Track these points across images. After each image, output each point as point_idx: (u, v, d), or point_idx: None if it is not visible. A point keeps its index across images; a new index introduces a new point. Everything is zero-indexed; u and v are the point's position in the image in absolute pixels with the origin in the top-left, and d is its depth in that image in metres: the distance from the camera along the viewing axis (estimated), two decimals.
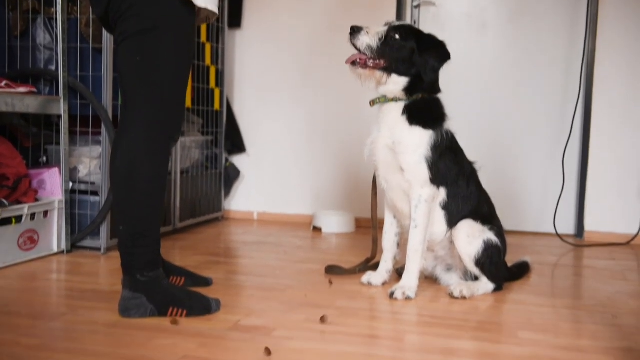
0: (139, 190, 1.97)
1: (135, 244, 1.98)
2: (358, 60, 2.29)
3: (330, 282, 2.51)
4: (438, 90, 2.39)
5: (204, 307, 2.05)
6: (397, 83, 2.31)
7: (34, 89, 2.83)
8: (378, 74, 2.31)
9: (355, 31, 2.27)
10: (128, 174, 1.97)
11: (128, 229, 1.98)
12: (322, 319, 2.00)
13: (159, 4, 1.94)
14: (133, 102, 2.00)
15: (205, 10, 2.09)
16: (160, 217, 2.06)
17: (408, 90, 2.31)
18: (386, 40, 2.27)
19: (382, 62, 2.29)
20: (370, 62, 2.29)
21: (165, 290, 2.03)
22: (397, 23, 2.34)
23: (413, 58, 2.28)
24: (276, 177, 4.12)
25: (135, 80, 1.98)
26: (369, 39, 2.26)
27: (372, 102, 2.40)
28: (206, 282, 2.40)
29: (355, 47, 2.29)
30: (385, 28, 2.30)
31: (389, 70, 2.30)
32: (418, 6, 3.87)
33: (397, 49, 2.28)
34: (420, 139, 2.30)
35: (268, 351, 1.71)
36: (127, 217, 1.99)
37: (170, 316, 2.01)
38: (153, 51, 1.95)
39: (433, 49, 2.32)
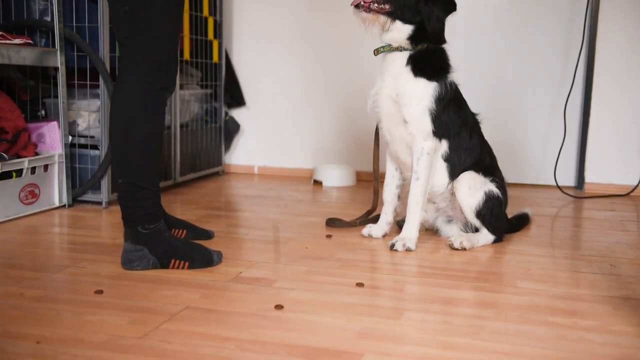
0: (136, 143, 1.97)
1: (134, 197, 1.99)
2: (362, 2, 2.24)
3: (329, 237, 2.52)
4: (443, 40, 2.35)
5: (206, 260, 2.06)
6: (401, 30, 2.27)
7: (30, 41, 2.79)
8: (382, 18, 2.26)
9: None
10: (124, 128, 1.97)
11: (127, 182, 1.99)
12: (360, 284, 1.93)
13: None
14: (125, 53, 1.98)
15: None
16: (159, 170, 2.06)
17: (413, 39, 2.27)
18: None
19: (386, 6, 2.24)
20: (374, 6, 2.24)
21: (167, 242, 2.04)
22: None
23: (418, 5, 2.24)
24: (276, 131, 4.10)
25: (126, 30, 1.96)
26: None
27: (377, 51, 2.36)
28: (208, 235, 2.42)
29: None
30: None
31: (393, 15, 2.25)
32: None
33: None
34: (424, 90, 2.27)
35: (280, 307, 1.73)
36: (125, 171, 1.99)
37: (172, 268, 2.03)
38: (141, 0, 1.92)
39: None
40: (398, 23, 2.26)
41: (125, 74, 1.98)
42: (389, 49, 2.31)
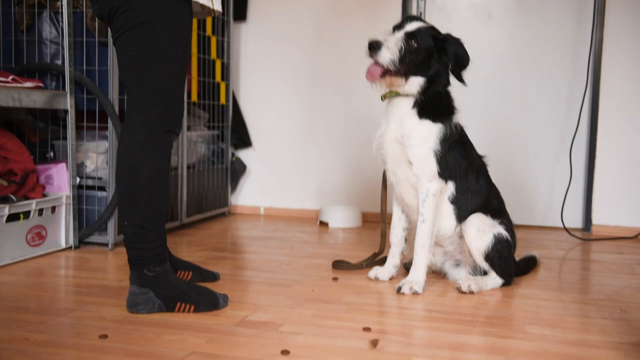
0: (142, 185, 1.98)
1: (140, 239, 1.99)
2: (379, 74, 2.24)
3: (335, 279, 2.51)
4: (448, 83, 2.37)
5: (212, 303, 2.05)
6: (414, 84, 2.29)
7: (41, 84, 2.83)
8: (398, 80, 2.28)
9: (375, 47, 2.21)
10: (130, 170, 1.98)
11: (133, 224, 1.99)
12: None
13: None
14: (132, 96, 2.01)
15: (199, 4, 2.09)
16: (165, 212, 2.06)
17: (423, 88, 2.29)
18: (405, 50, 2.23)
19: (402, 69, 2.25)
20: (390, 72, 2.25)
21: (172, 285, 2.03)
22: (412, 27, 2.27)
23: (431, 62, 2.27)
24: (282, 171, 4.12)
25: (132, 74, 1.99)
26: (390, 54, 2.21)
27: (384, 97, 2.38)
28: (213, 277, 2.41)
29: (376, 62, 2.23)
30: (402, 35, 2.25)
31: (407, 74, 2.27)
32: None
33: (416, 55, 2.24)
34: (429, 132, 2.29)
35: (286, 352, 1.71)
36: (131, 213, 2.00)
37: (178, 311, 2.01)
38: (147, 45, 1.96)
39: (450, 49, 2.28)
40: (411, 79, 2.28)
41: (132, 115, 2.01)
42: (395, 93, 2.33)
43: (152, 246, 2.00)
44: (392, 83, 2.28)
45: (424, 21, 2.36)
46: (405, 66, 2.24)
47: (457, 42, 2.30)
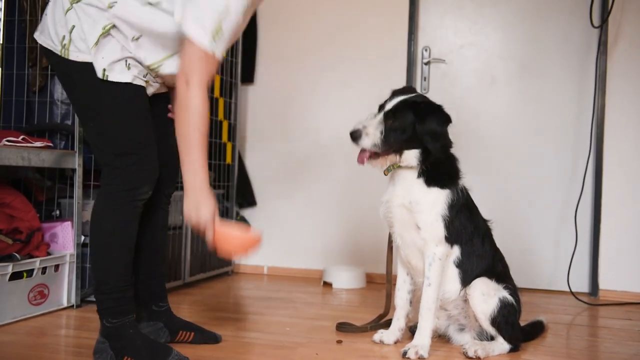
0: (99, 242, 2.09)
1: (99, 290, 2.08)
2: (365, 158, 2.29)
3: (339, 342, 2.47)
4: (450, 146, 2.39)
5: None
6: (411, 157, 2.30)
7: (50, 143, 2.87)
8: (390, 157, 2.30)
9: (355, 137, 2.25)
10: (92, 227, 2.10)
11: (95, 277, 2.10)
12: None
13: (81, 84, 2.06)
14: (101, 159, 2.12)
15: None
16: (128, 268, 2.10)
17: (423, 158, 2.30)
18: (386, 130, 2.25)
19: (390, 149, 2.28)
20: (378, 154, 2.28)
21: (128, 338, 2.06)
22: (390, 105, 2.29)
23: (416, 132, 2.26)
24: (286, 231, 4.12)
25: (94, 142, 2.11)
26: (371, 140, 2.24)
27: (387, 171, 2.38)
28: (215, 339, 2.38)
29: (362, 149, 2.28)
30: (381, 116, 2.27)
31: (400, 150, 2.29)
32: (428, 63, 3.93)
33: (399, 132, 2.25)
34: (437, 198, 2.30)
35: None
36: (93, 266, 2.12)
37: None
38: (97, 120, 2.07)
39: (431, 116, 2.27)
40: (405, 153, 2.29)
41: (101, 178, 2.12)
42: (398, 166, 2.35)
43: (108, 298, 2.07)
44: (386, 161, 2.31)
45: (411, 91, 2.36)
46: (392, 145, 2.26)
47: (434, 114, 2.28)
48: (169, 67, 2.11)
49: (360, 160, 2.30)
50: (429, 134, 2.25)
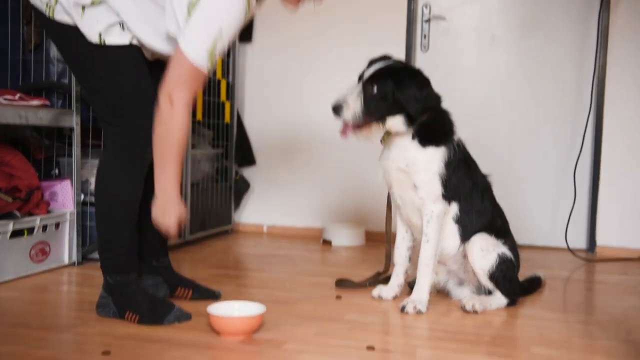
0: (104, 202, 2.11)
1: (103, 248, 2.11)
2: (348, 130, 2.27)
3: (338, 297, 2.50)
4: (438, 102, 2.35)
5: (156, 317, 2.06)
6: (395, 124, 2.28)
7: (47, 102, 2.85)
8: (374, 127, 2.28)
9: (337, 112, 2.24)
10: (97, 189, 2.12)
11: (99, 234, 2.13)
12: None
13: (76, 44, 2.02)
14: (102, 119, 2.11)
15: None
16: (130, 229, 2.13)
17: (408, 122, 2.28)
18: (366, 99, 2.23)
19: (369, 119, 2.26)
20: (359, 126, 2.26)
21: (130, 294, 2.09)
22: (368, 73, 2.27)
23: (395, 100, 2.23)
24: (286, 189, 4.13)
25: (92, 100, 2.13)
26: (352, 111, 2.23)
27: (383, 139, 2.38)
28: (213, 295, 2.40)
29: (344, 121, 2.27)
30: (360, 87, 2.25)
31: (381, 119, 2.27)
32: (428, 20, 3.88)
33: (379, 100, 2.23)
34: (434, 156, 2.29)
35: None
36: (98, 224, 2.14)
37: (127, 320, 2.08)
38: (96, 82, 2.05)
39: (410, 81, 2.25)
40: (388, 120, 2.27)
41: (104, 138, 2.14)
42: (390, 134, 2.33)
43: (111, 256, 2.10)
44: (371, 130, 2.28)
45: (388, 59, 2.33)
46: (373, 114, 2.24)
47: (412, 79, 2.25)
48: (152, 40, 2.07)
49: (343, 133, 2.28)
50: (410, 99, 2.23)
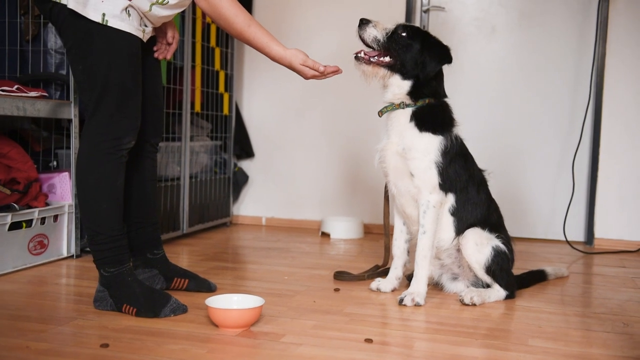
0: (87, 194, 2.10)
1: (93, 241, 2.11)
2: (363, 54, 2.30)
3: (337, 290, 2.50)
4: (444, 94, 2.38)
5: (152, 309, 2.06)
6: (400, 86, 2.31)
7: (45, 93, 2.84)
8: (382, 71, 2.31)
9: (363, 23, 2.30)
10: (77, 180, 2.11)
11: (87, 227, 2.12)
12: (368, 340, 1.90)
13: (79, 25, 2.01)
14: (86, 109, 2.10)
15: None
16: (119, 217, 2.12)
17: (412, 94, 2.31)
18: (392, 36, 2.29)
19: (386, 58, 2.29)
20: (374, 58, 2.29)
21: (126, 286, 2.09)
22: (407, 23, 2.36)
23: (415, 56, 2.29)
24: (284, 182, 4.12)
25: (82, 88, 2.09)
26: (376, 32, 2.29)
27: (381, 112, 2.40)
28: (209, 287, 2.40)
29: (362, 40, 2.32)
30: (394, 26, 2.33)
31: (393, 68, 2.30)
32: (427, 10, 3.87)
33: (402, 46, 2.29)
34: (431, 144, 2.29)
35: None
36: (84, 217, 2.14)
37: (124, 312, 2.08)
38: (89, 61, 2.03)
39: (436, 49, 2.32)
40: (397, 78, 2.31)
41: (85, 128, 2.11)
42: (392, 107, 2.35)
43: (103, 248, 2.09)
44: (378, 73, 2.31)
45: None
46: (391, 52, 2.29)
47: (441, 49, 2.33)
48: (159, 9, 2.10)
49: (356, 53, 2.32)
50: (430, 60, 2.28)
